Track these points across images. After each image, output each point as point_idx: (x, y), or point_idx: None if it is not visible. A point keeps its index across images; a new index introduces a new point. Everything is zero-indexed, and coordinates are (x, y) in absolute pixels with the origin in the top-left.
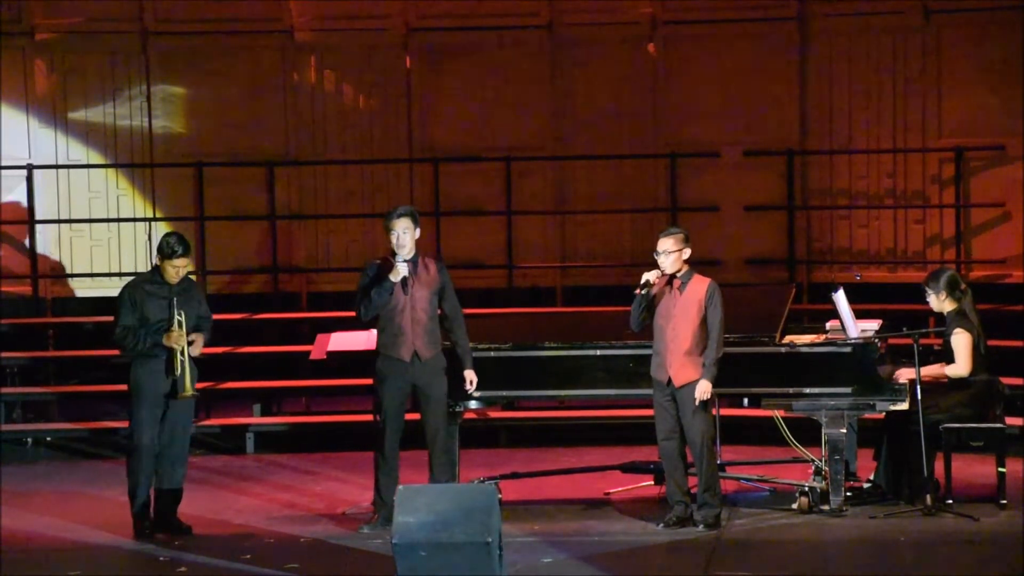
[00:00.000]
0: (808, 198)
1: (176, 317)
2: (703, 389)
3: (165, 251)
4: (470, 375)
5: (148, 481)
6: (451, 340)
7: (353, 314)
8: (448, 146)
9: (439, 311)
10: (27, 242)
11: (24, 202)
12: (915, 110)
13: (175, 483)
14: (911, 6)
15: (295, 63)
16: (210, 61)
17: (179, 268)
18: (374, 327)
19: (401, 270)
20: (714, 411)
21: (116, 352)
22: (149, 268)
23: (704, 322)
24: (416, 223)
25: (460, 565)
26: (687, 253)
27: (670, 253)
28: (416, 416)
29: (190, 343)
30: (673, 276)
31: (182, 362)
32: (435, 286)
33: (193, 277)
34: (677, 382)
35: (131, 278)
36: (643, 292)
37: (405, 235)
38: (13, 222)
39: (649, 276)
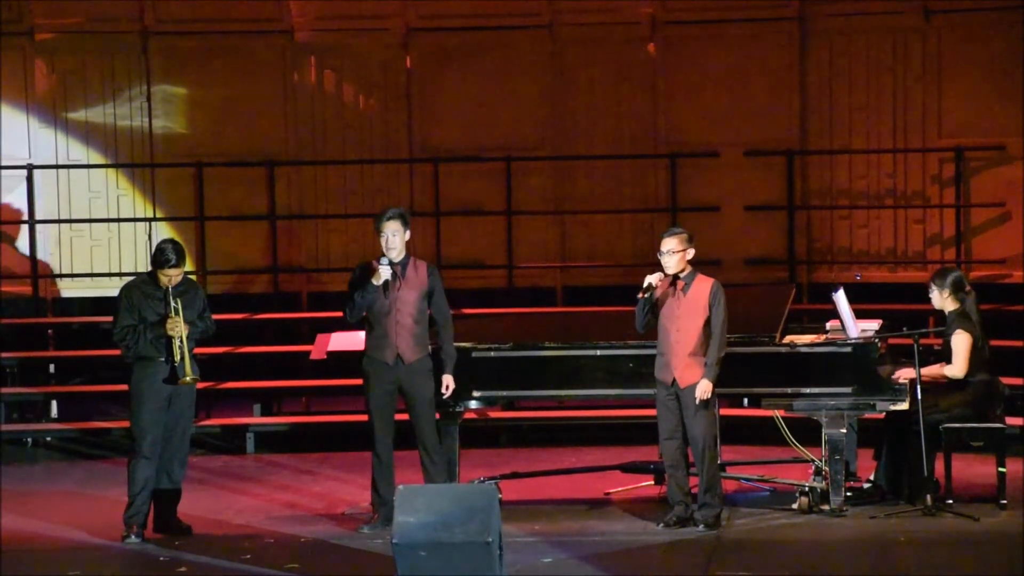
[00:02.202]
0: (808, 198)
1: (173, 305)
2: (704, 388)
3: (159, 260)
4: (447, 380)
5: (149, 488)
6: (438, 343)
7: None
8: (448, 146)
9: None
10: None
11: (24, 202)
12: (915, 110)
13: (175, 482)
14: (911, 6)
15: (295, 63)
16: (210, 61)
17: (171, 276)
18: (363, 328)
19: (383, 274)
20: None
21: (117, 352)
22: (148, 268)
23: (709, 323)
24: (406, 225)
25: (460, 565)
26: (691, 253)
27: (674, 253)
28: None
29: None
30: (676, 277)
31: (181, 348)
32: (423, 289)
33: (193, 277)
34: (682, 383)
35: (131, 278)
36: (646, 295)
37: (395, 237)
38: (13, 222)
39: (651, 279)
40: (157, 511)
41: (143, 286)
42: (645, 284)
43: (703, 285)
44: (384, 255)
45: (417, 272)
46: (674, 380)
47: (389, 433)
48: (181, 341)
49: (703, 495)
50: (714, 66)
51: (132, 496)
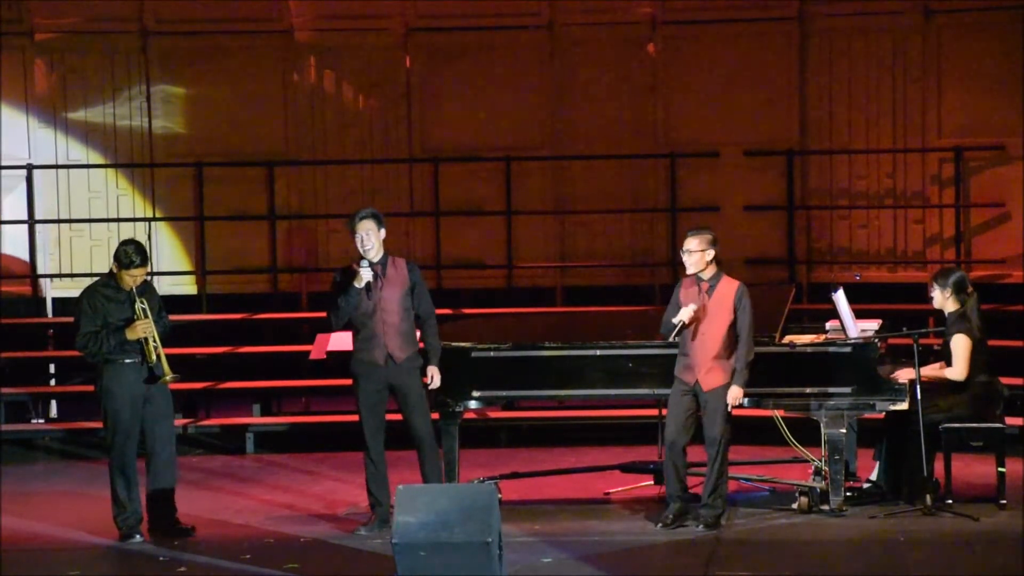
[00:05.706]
0: (808, 198)
1: (140, 306)
2: (735, 395)
3: (123, 261)
4: (432, 371)
5: (136, 489)
6: (422, 338)
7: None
8: (448, 146)
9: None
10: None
11: (24, 202)
12: (915, 110)
13: (166, 484)
14: (911, 6)
15: (295, 63)
16: (210, 61)
17: (136, 277)
18: (350, 330)
19: (364, 276)
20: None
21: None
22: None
23: (733, 326)
24: (380, 224)
25: (460, 565)
26: (711, 254)
27: (692, 253)
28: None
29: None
30: (701, 278)
31: (155, 347)
32: (405, 286)
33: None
34: (705, 386)
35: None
36: (679, 330)
37: (369, 237)
38: (13, 222)
39: (684, 317)
40: (155, 515)
41: (104, 289)
42: (676, 321)
43: (728, 288)
44: (361, 256)
45: (397, 269)
46: (696, 382)
47: (380, 435)
48: (155, 341)
49: (708, 496)
50: (714, 66)
51: (121, 501)
